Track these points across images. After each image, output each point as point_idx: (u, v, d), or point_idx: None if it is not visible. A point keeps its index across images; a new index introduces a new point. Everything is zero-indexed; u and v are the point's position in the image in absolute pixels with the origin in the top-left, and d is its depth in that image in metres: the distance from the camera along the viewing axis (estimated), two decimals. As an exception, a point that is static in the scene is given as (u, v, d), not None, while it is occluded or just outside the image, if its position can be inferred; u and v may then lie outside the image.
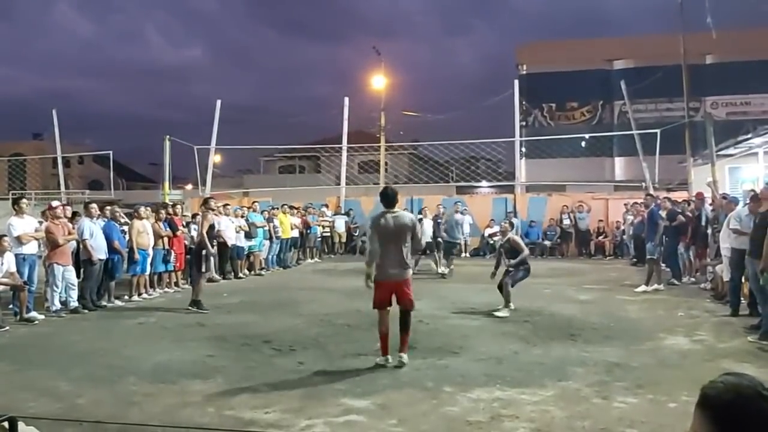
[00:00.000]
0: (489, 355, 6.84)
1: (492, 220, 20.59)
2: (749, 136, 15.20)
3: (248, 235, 15.40)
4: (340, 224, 21.19)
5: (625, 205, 18.77)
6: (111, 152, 24.37)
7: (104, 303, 10.81)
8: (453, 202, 17.39)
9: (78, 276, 10.47)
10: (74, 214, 11.62)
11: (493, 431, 4.57)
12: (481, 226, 20.74)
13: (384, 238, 6.46)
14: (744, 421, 1.20)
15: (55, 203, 10.66)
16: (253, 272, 15.66)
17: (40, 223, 10.46)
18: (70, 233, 10.20)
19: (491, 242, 20.41)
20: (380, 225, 6.49)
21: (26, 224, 9.83)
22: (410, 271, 6.70)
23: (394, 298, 6.59)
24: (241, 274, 15.21)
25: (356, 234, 21.81)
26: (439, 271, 14.74)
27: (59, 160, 25.22)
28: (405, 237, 6.50)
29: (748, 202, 9.50)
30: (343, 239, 21.49)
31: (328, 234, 20.73)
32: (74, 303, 10.15)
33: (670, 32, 21.99)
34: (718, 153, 16.55)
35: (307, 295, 11.63)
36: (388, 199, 6.69)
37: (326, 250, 20.88)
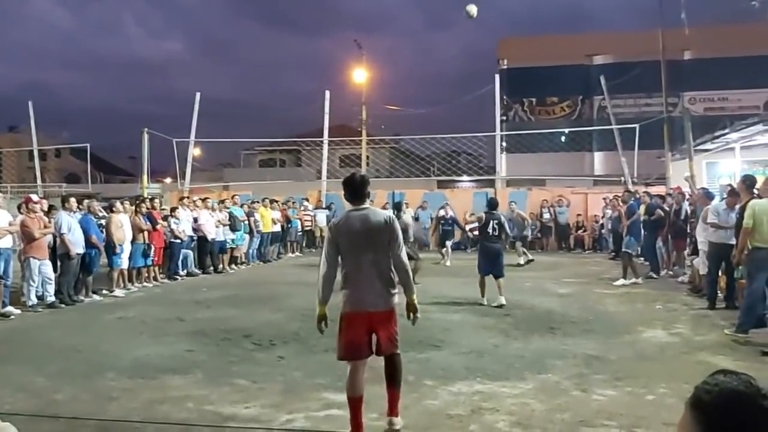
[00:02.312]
0: (470, 349, 6.87)
1: (472, 213, 20.66)
2: (726, 131, 15.39)
3: (232, 228, 15.34)
4: (321, 218, 21.14)
5: (604, 199, 18.97)
6: (88, 145, 24.09)
7: (82, 298, 10.69)
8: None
9: (55, 270, 10.34)
10: (50, 207, 11.46)
11: (473, 425, 4.59)
12: (461, 219, 20.76)
13: (350, 248, 4.38)
14: (737, 429, 1.19)
15: (35, 197, 10.52)
16: (234, 266, 15.62)
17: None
18: (45, 227, 10.06)
19: (471, 236, 20.52)
20: (341, 230, 4.44)
21: (0, 218, 9.68)
22: (394, 299, 4.44)
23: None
24: (227, 268, 15.19)
25: (337, 228, 21.73)
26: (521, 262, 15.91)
27: (35, 153, 24.85)
28: (381, 243, 4.37)
29: (725, 196, 9.62)
30: (324, 233, 21.42)
31: (310, 228, 20.68)
32: (51, 298, 10.03)
33: (649, 28, 22.16)
34: (696, 148, 16.74)
35: (287, 289, 11.59)
36: (355, 189, 4.53)
37: (307, 244, 20.84)
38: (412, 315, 4.51)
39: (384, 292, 4.36)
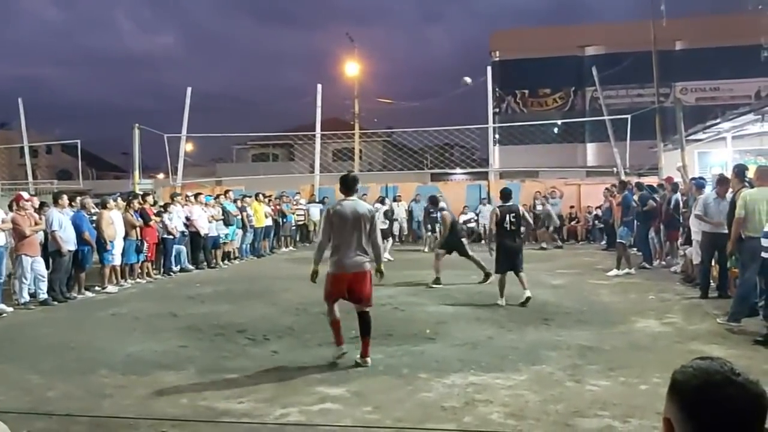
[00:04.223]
0: (464, 341, 6.87)
1: (466, 206, 20.73)
2: (718, 121, 15.40)
3: (226, 222, 15.29)
4: (315, 212, 21.10)
5: (606, 189, 18.91)
6: (79, 141, 23.93)
7: (74, 294, 10.65)
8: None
9: (47, 267, 10.29)
10: (42, 204, 11.40)
11: (467, 416, 4.59)
12: (456, 212, 20.78)
13: (340, 228, 5.98)
14: (711, 408, 1.20)
15: (25, 195, 10.47)
16: (227, 261, 15.59)
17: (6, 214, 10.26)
18: (36, 224, 10.01)
19: (465, 229, 20.57)
20: (335, 213, 6.03)
21: (-8, 216, 9.63)
22: (368, 265, 6.08)
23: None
24: (221, 264, 15.17)
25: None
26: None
27: (26, 150, 24.72)
28: (363, 227, 6.00)
29: (716, 186, 9.63)
30: (318, 227, 21.41)
31: (302, 222, 20.66)
32: (43, 295, 9.99)
33: (641, 19, 22.19)
34: (688, 138, 16.76)
35: (281, 284, 11.56)
36: (348, 185, 6.23)
37: (300, 239, 20.81)
38: (379, 274, 6.23)
39: (360, 260, 6.01)
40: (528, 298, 8.90)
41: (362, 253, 6.02)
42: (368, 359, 5.96)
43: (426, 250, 17.64)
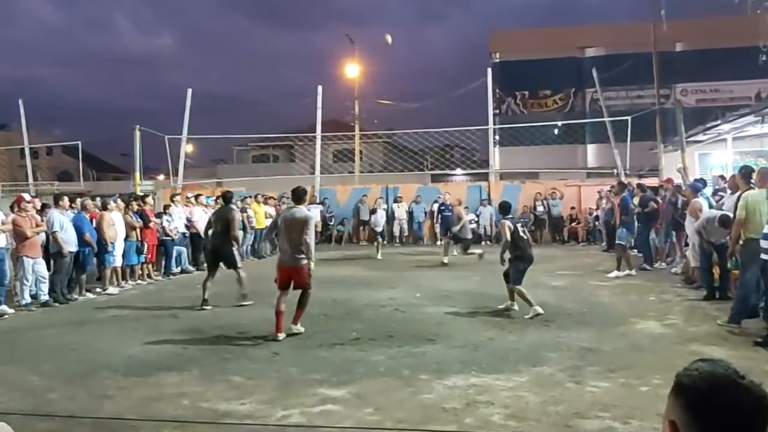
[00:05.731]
0: (465, 342, 6.88)
1: (466, 207, 20.74)
2: (718, 122, 15.39)
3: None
4: (315, 213, 21.00)
5: (598, 192, 18.98)
6: (79, 142, 23.95)
7: (75, 296, 10.66)
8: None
9: (48, 269, 10.30)
10: (44, 206, 11.42)
11: (468, 418, 4.60)
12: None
13: (284, 229, 7.51)
14: (717, 411, 1.21)
15: (27, 197, 10.48)
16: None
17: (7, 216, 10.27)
18: (38, 225, 10.03)
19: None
20: (281, 217, 7.75)
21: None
22: (303, 261, 7.45)
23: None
24: (221, 265, 15.11)
25: (331, 223, 21.74)
26: None
27: (27, 151, 24.70)
28: (297, 230, 7.39)
29: (717, 187, 9.60)
30: (319, 228, 21.39)
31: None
32: (45, 296, 10.00)
33: (641, 20, 22.21)
34: (688, 139, 16.76)
35: (282, 285, 11.55)
36: (298, 195, 7.80)
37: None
38: (309, 270, 7.56)
39: (296, 256, 7.43)
40: (508, 307, 8.65)
41: (297, 251, 7.41)
42: (294, 327, 7.40)
43: (457, 252, 15.64)
